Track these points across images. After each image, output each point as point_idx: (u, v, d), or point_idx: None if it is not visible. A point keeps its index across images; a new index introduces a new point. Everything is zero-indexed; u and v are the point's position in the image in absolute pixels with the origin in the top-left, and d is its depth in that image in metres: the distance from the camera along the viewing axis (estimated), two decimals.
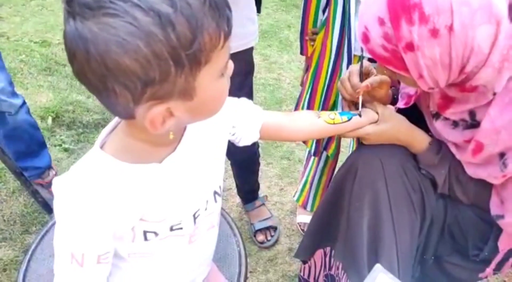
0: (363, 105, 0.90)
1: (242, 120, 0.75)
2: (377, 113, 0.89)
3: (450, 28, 0.65)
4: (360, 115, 0.88)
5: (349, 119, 0.86)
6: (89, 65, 0.44)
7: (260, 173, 1.57)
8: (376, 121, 0.88)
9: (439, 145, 0.89)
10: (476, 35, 0.65)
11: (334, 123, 0.85)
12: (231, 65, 0.54)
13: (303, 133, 0.86)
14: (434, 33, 0.66)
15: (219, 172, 0.70)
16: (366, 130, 0.88)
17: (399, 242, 0.88)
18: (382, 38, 0.71)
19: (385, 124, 0.88)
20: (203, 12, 0.44)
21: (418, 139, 0.89)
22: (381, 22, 0.69)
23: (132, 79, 0.44)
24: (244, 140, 0.77)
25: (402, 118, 0.90)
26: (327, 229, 1.03)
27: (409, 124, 0.90)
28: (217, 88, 0.52)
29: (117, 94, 0.46)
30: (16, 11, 2.86)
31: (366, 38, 0.73)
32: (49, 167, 1.61)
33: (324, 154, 1.43)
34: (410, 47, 0.68)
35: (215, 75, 0.50)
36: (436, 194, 0.92)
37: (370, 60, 0.97)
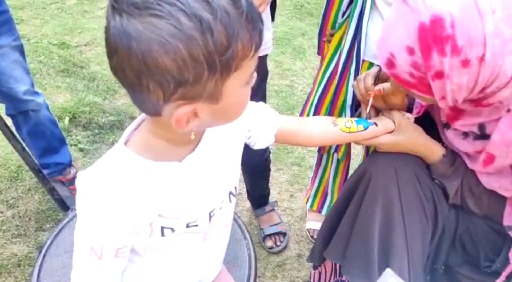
0: (381, 113, 0.90)
1: (258, 124, 0.76)
2: (394, 122, 0.88)
3: (481, 59, 0.65)
4: (376, 125, 0.88)
5: (365, 129, 0.86)
6: (129, 61, 0.46)
7: (270, 179, 1.58)
8: (392, 131, 0.89)
9: (453, 157, 0.89)
10: (504, 63, 0.66)
11: (349, 132, 0.85)
12: (255, 75, 0.56)
13: (317, 139, 0.87)
14: (465, 63, 0.66)
15: (235, 173, 0.72)
16: (381, 139, 0.89)
17: (410, 249, 0.88)
18: (410, 66, 0.70)
19: (401, 135, 0.88)
20: (239, 23, 0.47)
21: (432, 151, 0.89)
22: (411, 51, 0.69)
23: (167, 78, 0.46)
24: (259, 143, 0.79)
25: (418, 130, 0.90)
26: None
27: (425, 136, 0.89)
28: (241, 95, 0.54)
29: (149, 90, 0.48)
30: (36, 14, 2.93)
31: (391, 64, 0.73)
32: (70, 164, 1.64)
33: (335, 156, 1.44)
34: (439, 75, 0.68)
35: (241, 83, 0.52)
36: (448, 204, 0.92)
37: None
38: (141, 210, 0.57)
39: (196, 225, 0.65)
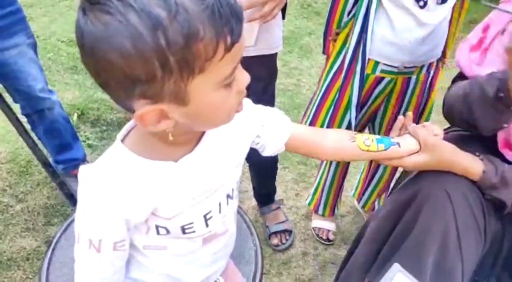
0: (406, 131, 0.84)
1: (269, 131, 0.73)
2: (419, 142, 0.81)
3: None
4: (399, 146, 0.80)
5: (386, 149, 0.80)
6: (85, 57, 0.46)
7: (276, 177, 1.58)
8: (417, 152, 0.81)
9: (494, 166, 0.82)
10: None
11: (368, 151, 0.79)
12: (243, 78, 0.53)
13: (331, 153, 0.81)
14: None
15: (235, 177, 0.70)
16: (405, 162, 0.81)
17: (465, 275, 0.82)
18: None
19: (428, 156, 0.80)
20: (201, 20, 0.43)
21: (468, 170, 0.82)
22: None
23: (120, 76, 0.45)
24: (268, 151, 0.76)
25: (449, 148, 0.82)
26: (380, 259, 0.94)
27: (456, 153, 0.82)
28: (216, 99, 0.50)
29: (112, 87, 0.48)
30: (45, 11, 2.95)
31: None
32: (84, 159, 1.67)
33: None
34: None
35: (213, 86, 0.49)
36: (495, 216, 0.87)
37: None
38: (135, 206, 0.58)
39: (193, 231, 0.64)
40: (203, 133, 0.62)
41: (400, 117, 0.85)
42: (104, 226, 0.58)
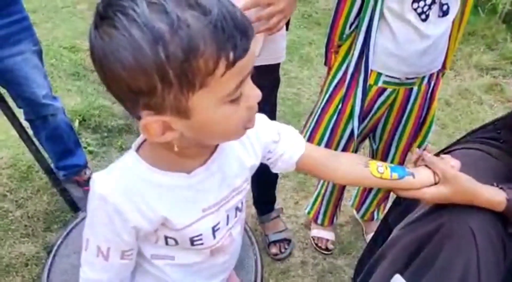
0: (423, 162, 0.82)
1: (281, 149, 0.73)
2: (437, 174, 0.78)
3: None
4: (414, 176, 0.78)
5: (399, 178, 0.77)
6: (97, 69, 0.49)
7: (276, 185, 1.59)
8: (431, 185, 0.79)
9: None
10: None
11: (381, 178, 0.77)
12: (252, 94, 0.52)
13: (341, 176, 0.79)
14: None
15: (244, 190, 0.70)
16: (424, 193, 0.78)
17: None
18: None
19: (446, 187, 0.78)
20: (202, 35, 0.44)
21: (491, 199, 0.78)
22: None
23: (124, 87, 0.47)
24: (278, 167, 0.76)
25: (467, 180, 0.78)
26: None
27: (476, 185, 0.79)
28: (220, 114, 0.50)
29: (121, 97, 0.50)
30: (48, 17, 2.97)
31: None
32: (86, 165, 1.67)
33: None
34: None
35: (216, 101, 0.49)
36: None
37: None
38: (145, 216, 0.58)
39: (202, 243, 0.65)
40: (216, 146, 0.62)
41: (417, 150, 0.84)
42: (114, 234, 0.58)
